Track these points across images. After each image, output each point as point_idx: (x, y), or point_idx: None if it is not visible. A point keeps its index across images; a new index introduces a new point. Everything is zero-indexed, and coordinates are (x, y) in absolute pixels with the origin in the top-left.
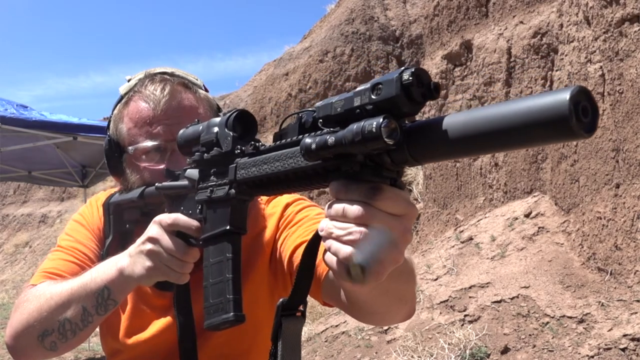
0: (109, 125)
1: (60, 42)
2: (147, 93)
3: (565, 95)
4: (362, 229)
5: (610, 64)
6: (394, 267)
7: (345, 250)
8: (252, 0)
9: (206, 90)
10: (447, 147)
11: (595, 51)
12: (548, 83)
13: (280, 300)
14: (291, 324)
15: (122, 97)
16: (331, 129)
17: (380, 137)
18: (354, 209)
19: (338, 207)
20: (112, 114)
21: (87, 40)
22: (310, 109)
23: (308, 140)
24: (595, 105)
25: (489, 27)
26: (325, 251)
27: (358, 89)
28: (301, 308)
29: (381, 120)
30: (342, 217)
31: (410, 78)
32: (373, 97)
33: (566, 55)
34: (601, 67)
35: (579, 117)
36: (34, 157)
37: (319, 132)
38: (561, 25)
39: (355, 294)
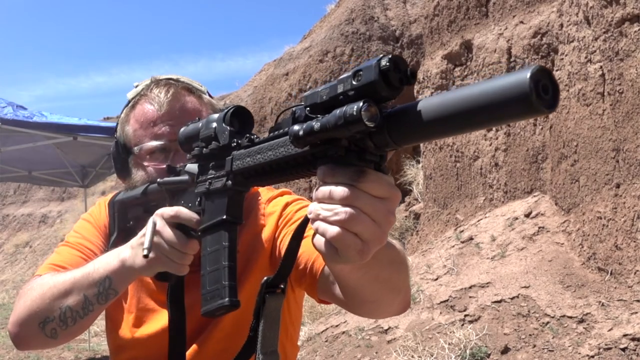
0: (116, 128)
1: (61, 42)
2: (152, 96)
3: (526, 74)
4: (348, 209)
5: (610, 63)
6: (378, 247)
7: (332, 230)
8: (252, 0)
9: (210, 97)
10: (424, 129)
11: (595, 51)
12: None
13: (265, 278)
14: (272, 301)
15: (129, 102)
16: (318, 116)
17: (360, 120)
18: (340, 190)
19: (325, 190)
20: (119, 117)
21: (87, 40)
22: (302, 103)
23: (296, 127)
24: (556, 82)
25: (489, 27)
26: (314, 235)
27: (341, 76)
28: (282, 286)
29: (362, 104)
30: (329, 199)
31: (388, 64)
32: (354, 83)
33: (566, 55)
34: (601, 67)
35: (540, 94)
36: (34, 157)
37: (307, 120)
38: (561, 25)
39: (346, 280)
